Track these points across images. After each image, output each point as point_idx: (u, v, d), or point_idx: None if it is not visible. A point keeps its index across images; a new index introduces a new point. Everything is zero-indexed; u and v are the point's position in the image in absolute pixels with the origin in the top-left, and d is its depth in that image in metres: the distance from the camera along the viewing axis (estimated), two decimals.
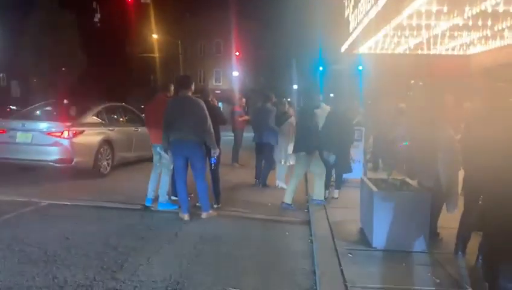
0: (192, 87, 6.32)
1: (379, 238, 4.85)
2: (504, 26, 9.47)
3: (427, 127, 5.61)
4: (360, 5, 10.62)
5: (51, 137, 8.72)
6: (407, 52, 14.18)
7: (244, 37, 44.00)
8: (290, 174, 8.43)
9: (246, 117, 12.14)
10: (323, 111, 7.57)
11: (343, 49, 14.68)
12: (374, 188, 4.99)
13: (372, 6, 8.99)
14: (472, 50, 13.56)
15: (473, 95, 8.18)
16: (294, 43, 51.53)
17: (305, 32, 42.71)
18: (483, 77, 13.47)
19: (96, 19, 25.79)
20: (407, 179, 5.48)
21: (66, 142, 8.71)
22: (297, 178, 7.47)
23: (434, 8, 7.94)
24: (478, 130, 4.32)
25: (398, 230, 4.82)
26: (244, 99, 13.11)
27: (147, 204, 6.97)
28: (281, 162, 9.11)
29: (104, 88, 35.70)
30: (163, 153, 6.62)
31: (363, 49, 13.94)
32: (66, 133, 8.73)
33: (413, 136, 6.92)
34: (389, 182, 5.36)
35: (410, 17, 8.77)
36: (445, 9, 8.00)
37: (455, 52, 14.11)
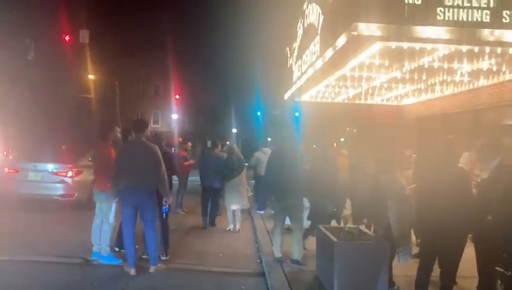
0: (147, 132, 6.06)
1: (340, 289, 4.76)
2: (436, 81, 10.26)
3: (375, 174, 5.77)
4: (304, 56, 11.05)
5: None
6: (346, 101, 14.91)
7: (184, 80, 44.12)
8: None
9: (191, 161, 11.88)
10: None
11: (286, 96, 15.10)
12: (334, 238, 4.95)
13: (317, 58, 9.36)
14: (405, 101, 14.54)
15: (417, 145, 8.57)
16: (234, 88, 52.66)
17: (245, 77, 43.89)
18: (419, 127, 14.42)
19: (29, 57, 24.59)
20: (362, 228, 5.51)
21: (69, 181, 10.68)
22: (277, 228, 6.70)
23: (377, 61, 8.43)
24: (435, 178, 4.47)
25: (360, 280, 4.77)
26: (189, 143, 12.89)
27: (93, 257, 6.39)
28: (230, 207, 9.25)
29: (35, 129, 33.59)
30: (105, 200, 6.21)
31: (305, 97, 14.48)
32: (70, 173, 10.72)
33: (361, 182, 7.08)
34: (345, 231, 5.35)
35: (353, 69, 9.24)
36: (386, 63, 8.52)
37: (390, 103, 15.06)
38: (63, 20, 22.58)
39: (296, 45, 12.68)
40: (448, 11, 6.51)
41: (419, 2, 6.52)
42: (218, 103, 52.11)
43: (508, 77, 9.34)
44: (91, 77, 37.49)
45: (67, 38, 21.05)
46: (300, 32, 12.03)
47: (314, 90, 12.63)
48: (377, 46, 7.09)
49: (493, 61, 7.98)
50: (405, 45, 6.99)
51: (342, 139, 31.39)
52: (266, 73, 33.03)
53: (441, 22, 6.53)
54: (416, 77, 9.91)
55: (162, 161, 5.88)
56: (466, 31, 6.54)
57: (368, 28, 6.58)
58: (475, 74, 9.35)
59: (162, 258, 6.50)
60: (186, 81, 45.13)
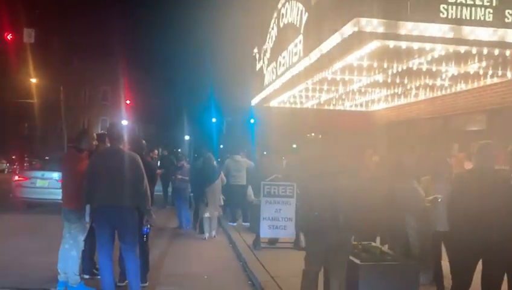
0: (125, 139, 5.11)
1: None
2: (416, 85, 10.01)
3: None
4: (280, 58, 10.44)
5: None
6: (315, 106, 14.51)
7: (136, 85, 42.36)
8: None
9: (159, 171, 10.87)
10: None
11: (254, 102, 14.43)
12: (356, 260, 4.30)
13: (300, 59, 8.77)
14: (375, 107, 14.34)
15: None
16: (187, 95, 51.36)
17: (202, 82, 42.87)
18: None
19: None
20: (381, 246, 4.92)
21: None
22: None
23: (365, 63, 7.97)
24: (475, 186, 3.95)
25: None
26: (156, 151, 11.85)
27: (58, 289, 5.31)
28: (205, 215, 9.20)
29: None
30: (76, 221, 5.20)
31: (274, 102, 13.89)
32: None
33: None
34: (364, 249, 4.72)
35: (337, 71, 8.75)
36: (374, 64, 8.08)
37: (358, 109, 14.83)
38: (5, 17, 20.59)
39: (268, 46, 12.06)
40: (452, 8, 6.13)
41: None
42: (171, 109, 50.61)
43: (489, 81, 9.24)
44: (33, 80, 34.94)
45: (9, 36, 19.18)
46: (274, 32, 11.43)
47: (287, 95, 12.05)
48: (374, 44, 6.60)
49: (484, 64, 7.75)
50: (404, 44, 6.54)
51: (294, 146, 31.26)
52: (226, 78, 32.26)
53: (444, 20, 6.13)
54: (398, 81, 9.60)
55: (145, 173, 4.97)
56: (470, 30, 6.17)
57: (369, 24, 6.05)
58: (458, 78, 9.17)
59: (141, 284, 5.55)
60: (138, 86, 43.41)
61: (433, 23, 6.13)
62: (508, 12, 6.20)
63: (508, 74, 8.51)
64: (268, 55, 12.06)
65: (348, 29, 6.36)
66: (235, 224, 10.79)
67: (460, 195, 4.09)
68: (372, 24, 6.06)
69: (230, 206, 11.16)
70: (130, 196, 4.86)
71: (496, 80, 9.04)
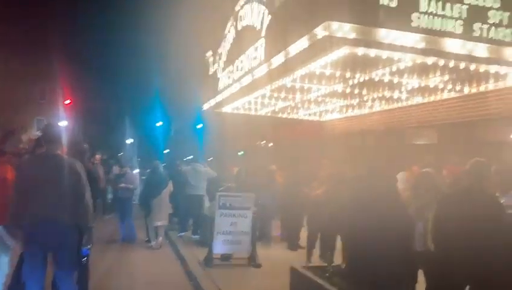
0: (63, 142, 4.30)
1: None
2: (375, 96, 9.89)
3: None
4: (238, 62, 9.92)
5: None
6: (269, 114, 14.15)
7: (76, 84, 39.99)
8: None
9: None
10: None
11: (206, 106, 13.79)
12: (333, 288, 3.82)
13: (260, 64, 8.30)
14: (327, 117, 14.22)
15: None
16: (133, 96, 49.37)
17: (149, 83, 41.30)
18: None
19: None
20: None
21: None
22: None
23: (327, 71, 7.66)
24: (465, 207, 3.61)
25: None
26: (98, 156, 10.81)
27: None
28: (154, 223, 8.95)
29: None
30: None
31: (228, 108, 13.36)
32: None
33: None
34: (334, 273, 4.26)
35: (299, 78, 8.39)
36: (337, 73, 7.79)
37: (312, 118, 14.65)
38: None
39: (224, 49, 11.51)
40: (423, 18, 5.92)
41: (394, 5, 5.83)
42: (115, 111, 48.36)
43: (446, 95, 9.28)
44: None
45: None
46: (231, 35, 10.90)
47: (243, 101, 11.56)
48: (343, 51, 6.27)
49: (446, 77, 7.69)
50: (373, 52, 6.26)
51: (240, 153, 30.94)
52: (175, 81, 31.24)
53: (416, 29, 5.91)
54: (356, 91, 9.41)
55: (87, 183, 4.21)
56: (440, 42, 5.99)
57: (341, 29, 5.69)
58: (416, 91, 9.13)
59: None
60: (79, 85, 41.00)
61: (405, 31, 5.88)
62: (477, 26, 6.10)
63: (465, 89, 8.56)
64: (224, 58, 11.50)
65: (318, 33, 5.96)
66: (183, 234, 10.10)
67: (447, 215, 3.75)
68: (344, 29, 5.70)
69: (181, 217, 10.47)
70: (68, 211, 4.07)
71: (452, 94, 9.09)
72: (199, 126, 32.22)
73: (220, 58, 11.99)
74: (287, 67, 7.41)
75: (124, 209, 9.71)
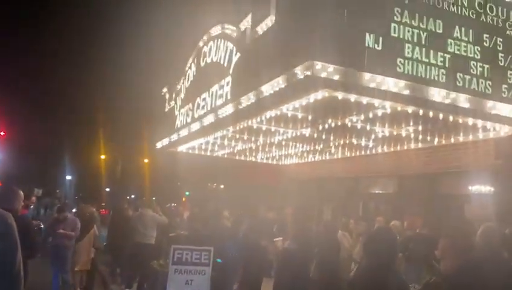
0: None
1: None
2: (342, 143, 9.53)
3: None
4: (199, 100, 9.25)
5: None
6: (226, 156, 13.46)
7: (12, 114, 37.29)
8: None
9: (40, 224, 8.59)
10: None
11: (159, 145, 12.85)
12: None
13: (227, 103, 7.67)
14: (287, 161, 13.75)
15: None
16: (73, 129, 46.69)
17: (91, 119, 39.28)
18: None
19: None
20: None
21: None
22: None
23: (299, 114, 7.16)
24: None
25: None
26: (33, 197, 9.42)
27: None
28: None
29: None
30: None
31: (183, 148, 12.53)
32: None
33: None
34: None
35: (265, 120, 7.83)
36: (309, 117, 7.31)
37: (270, 162, 14.13)
38: None
39: (183, 86, 10.82)
40: (408, 63, 5.61)
41: (380, 48, 5.47)
42: (54, 145, 45.39)
43: (413, 146, 9.08)
44: None
45: None
46: (191, 71, 10.27)
47: (200, 141, 10.79)
48: (322, 93, 5.79)
49: (420, 127, 7.43)
50: (353, 96, 5.83)
51: (187, 193, 29.84)
52: (123, 115, 29.92)
53: (401, 75, 5.56)
54: (324, 137, 8.99)
55: (19, 244, 3.19)
56: (425, 90, 5.68)
57: (324, 69, 5.20)
58: (385, 140, 8.84)
59: None
60: (15, 116, 38.28)
61: (389, 76, 5.51)
62: (459, 76, 5.88)
63: (435, 141, 8.38)
64: (182, 95, 10.79)
65: (299, 72, 5.45)
66: None
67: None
68: (327, 70, 5.22)
69: (125, 268, 9.31)
70: None
71: (420, 145, 8.89)
72: (145, 162, 30.84)
73: (178, 95, 11.27)
74: (257, 108, 6.83)
75: (59, 261, 8.35)
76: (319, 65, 5.16)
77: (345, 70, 5.29)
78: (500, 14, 6.17)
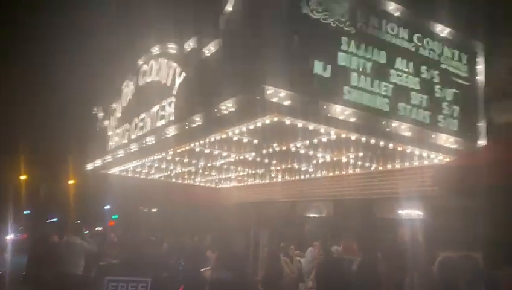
0: None
1: None
2: (283, 167, 9.53)
3: None
4: (137, 120, 8.81)
5: None
6: (161, 178, 12.96)
7: None
8: None
9: None
10: None
11: (90, 166, 12.05)
12: None
13: (169, 125, 7.36)
14: (225, 184, 13.54)
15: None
16: None
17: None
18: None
19: None
20: None
21: None
22: None
23: (245, 138, 7.03)
24: None
25: None
26: None
27: None
28: None
29: None
30: None
31: (116, 170, 11.88)
32: None
33: None
34: None
35: (209, 144, 7.61)
36: (255, 141, 7.20)
37: (208, 185, 13.84)
38: None
39: (119, 105, 10.29)
40: (354, 92, 5.72)
41: (328, 76, 5.53)
42: None
43: (350, 171, 9.29)
44: None
45: None
46: (129, 90, 9.80)
47: (137, 164, 10.27)
48: (270, 119, 5.72)
49: (361, 154, 7.61)
50: (301, 122, 5.82)
51: (115, 216, 28.44)
52: (45, 133, 28.00)
53: (346, 103, 5.65)
54: (267, 161, 8.93)
55: None
56: (368, 117, 5.81)
57: (276, 94, 5.13)
58: (325, 165, 8.97)
59: None
60: None
61: (336, 104, 5.57)
62: (401, 105, 6.10)
63: (373, 167, 8.64)
64: (118, 115, 10.24)
65: (247, 97, 5.33)
66: None
67: None
68: (279, 95, 5.16)
69: None
70: None
71: (358, 170, 9.12)
72: (72, 184, 29.09)
73: (112, 114, 10.69)
74: (204, 131, 6.60)
75: None
76: (270, 90, 5.08)
77: (296, 96, 5.26)
78: (435, 48, 6.54)
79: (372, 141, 6.46)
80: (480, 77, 7.00)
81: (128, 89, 9.90)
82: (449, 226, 7.09)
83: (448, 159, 6.84)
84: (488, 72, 7.04)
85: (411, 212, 8.57)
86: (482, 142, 6.85)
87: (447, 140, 6.49)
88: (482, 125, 6.87)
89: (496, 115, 6.99)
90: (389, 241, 8.53)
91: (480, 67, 7.04)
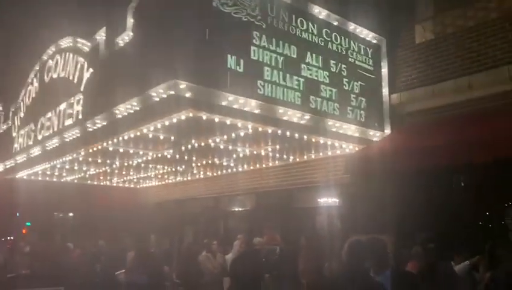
0: None
1: None
2: (204, 163, 9.45)
3: None
4: (43, 119, 8.21)
5: None
6: (75, 181, 12.26)
7: None
8: None
9: None
10: None
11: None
12: None
13: (78, 124, 6.94)
14: (145, 184, 13.16)
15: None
16: None
17: None
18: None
19: None
20: None
21: None
22: None
23: (161, 135, 6.85)
24: None
25: None
26: None
27: None
28: None
29: None
30: None
31: (24, 173, 10.99)
32: None
33: None
34: None
35: (122, 142, 7.29)
36: (172, 138, 7.04)
37: (126, 185, 13.36)
38: None
39: (23, 103, 9.52)
40: (267, 86, 5.80)
41: (241, 70, 5.55)
42: None
43: (270, 164, 9.46)
44: None
45: None
46: (33, 88, 9.10)
47: (42, 167, 9.55)
48: (185, 113, 5.61)
49: (278, 146, 7.77)
50: (217, 117, 5.79)
51: (28, 224, 26.46)
52: None
53: (261, 97, 5.72)
54: (186, 158, 8.79)
55: None
56: (281, 111, 5.93)
57: (189, 90, 5.04)
58: (245, 159, 9.03)
59: None
60: None
61: (250, 98, 5.61)
62: (312, 98, 6.30)
63: (290, 158, 8.86)
64: (22, 114, 9.47)
65: (160, 92, 5.19)
66: None
67: None
68: (192, 90, 5.07)
69: None
70: None
71: (277, 162, 9.31)
72: None
73: (16, 114, 9.87)
74: (112, 130, 6.31)
75: None
76: (183, 85, 4.98)
77: (210, 91, 5.22)
78: (343, 43, 6.84)
79: (288, 133, 6.60)
80: (384, 70, 7.46)
81: (32, 86, 9.19)
82: (362, 212, 7.49)
83: (357, 148, 7.20)
84: (390, 65, 7.52)
85: (328, 200, 8.94)
86: (387, 131, 7.32)
87: (355, 130, 6.83)
88: (386, 115, 7.33)
89: (399, 106, 7.48)
90: (309, 229, 8.84)
91: (384, 60, 7.49)
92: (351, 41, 6.99)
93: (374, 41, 7.44)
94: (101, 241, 10.87)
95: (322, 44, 6.57)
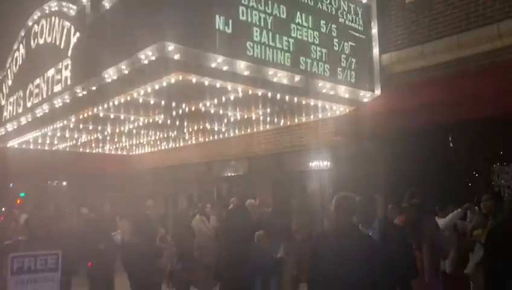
0: None
1: None
2: (196, 128, 9.47)
3: None
4: (32, 86, 8.13)
5: None
6: (67, 149, 12.26)
7: None
8: None
9: None
10: None
11: None
12: None
13: (67, 89, 6.89)
14: (137, 151, 13.20)
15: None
16: None
17: None
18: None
19: None
20: None
21: None
22: None
23: (152, 100, 6.82)
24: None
25: None
26: None
27: None
28: None
29: None
30: None
31: (15, 142, 10.95)
32: None
33: None
34: None
35: (114, 107, 7.26)
36: (162, 102, 7.02)
37: (119, 152, 13.39)
38: None
39: (10, 71, 9.38)
40: (257, 47, 5.76)
41: (230, 32, 5.50)
42: None
43: (262, 128, 9.50)
44: None
45: None
46: (20, 54, 8.95)
47: (37, 134, 9.52)
48: (174, 77, 5.58)
49: (268, 110, 7.78)
50: (207, 80, 5.76)
51: (22, 194, 26.57)
52: None
53: (250, 58, 5.69)
54: (177, 123, 8.79)
55: None
56: (270, 73, 5.92)
57: (177, 51, 5.01)
58: (236, 124, 9.06)
59: None
60: None
61: (239, 60, 5.58)
62: (302, 59, 6.28)
63: (281, 122, 8.90)
64: (10, 82, 9.35)
65: (149, 54, 5.14)
66: None
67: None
68: (180, 52, 5.03)
69: None
70: None
71: (268, 127, 9.35)
72: None
73: (3, 82, 9.74)
74: (102, 94, 6.27)
75: None
76: (171, 46, 4.94)
77: (199, 52, 5.18)
78: (333, 2, 6.76)
79: (278, 96, 6.60)
80: (374, 30, 7.40)
81: (19, 52, 9.03)
82: (353, 173, 7.60)
83: (348, 110, 7.24)
84: (381, 25, 7.46)
85: (319, 163, 9.04)
86: (377, 92, 7.34)
87: (345, 91, 6.85)
88: (377, 76, 7.34)
89: (389, 66, 7.47)
90: (300, 191, 8.99)
91: (374, 20, 7.43)
92: (341, 1, 6.91)
93: (364, 1, 7.36)
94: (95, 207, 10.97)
95: (312, 4, 6.49)
